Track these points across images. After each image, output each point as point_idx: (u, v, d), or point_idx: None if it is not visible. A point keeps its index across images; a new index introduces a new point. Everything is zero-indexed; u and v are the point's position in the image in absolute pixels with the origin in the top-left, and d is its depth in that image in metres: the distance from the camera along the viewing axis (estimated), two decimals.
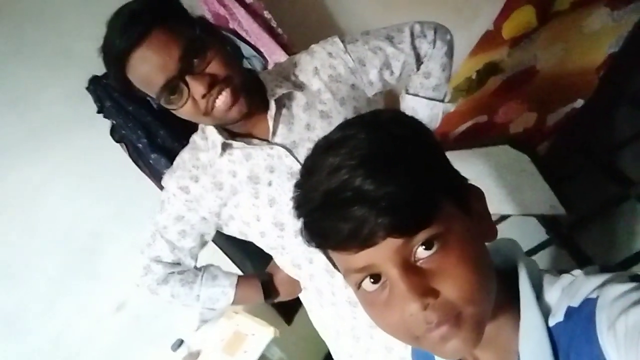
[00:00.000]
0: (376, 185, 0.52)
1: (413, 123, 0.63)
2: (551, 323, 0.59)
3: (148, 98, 1.05)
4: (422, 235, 0.54)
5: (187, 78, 0.96)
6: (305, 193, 0.58)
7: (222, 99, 0.99)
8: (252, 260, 2.31)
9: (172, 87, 0.97)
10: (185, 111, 1.01)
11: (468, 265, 0.55)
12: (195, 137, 1.21)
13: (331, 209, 0.54)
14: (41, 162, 2.18)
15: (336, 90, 1.14)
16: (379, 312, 0.58)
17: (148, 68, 0.95)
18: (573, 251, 2.29)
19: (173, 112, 1.03)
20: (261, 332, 2.14)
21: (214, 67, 0.98)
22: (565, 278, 0.62)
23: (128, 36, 0.94)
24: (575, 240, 2.31)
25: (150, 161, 2.27)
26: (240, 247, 2.24)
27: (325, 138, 0.60)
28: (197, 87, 0.96)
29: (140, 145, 2.26)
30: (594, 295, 0.56)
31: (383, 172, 0.53)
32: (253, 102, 1.05)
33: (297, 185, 0.60)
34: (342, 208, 0.53)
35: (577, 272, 0.62)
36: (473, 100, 2.75)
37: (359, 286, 0.59)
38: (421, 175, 0.55)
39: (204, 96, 0.97)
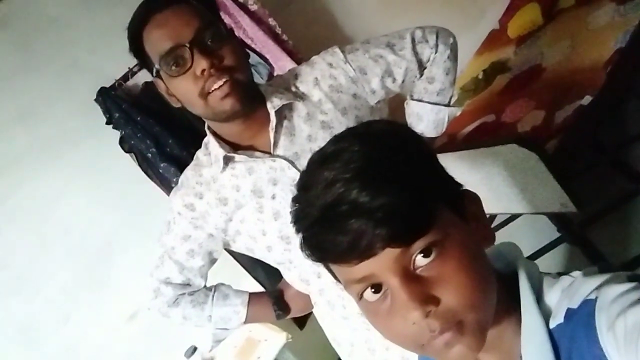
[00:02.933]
0: (371, 197, 0.53)
1: (405, 133, 0.64)
2: (552, 325, 0.59)
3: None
4: (420, 244, 0.55)
5: (195, 51, 0.98)
6: (302, 208, 0.59)
7: (220, 85, 1.00)
8: (263, 267, 2.31)
9: (178, 55, 0.99)
10: (183, 85, 1.02)
11: (467, 271, 0.56)
12: (199, 153, 1.22)
13: (329, 223, 0.55)
14: (53, 174, 2.22)
15: (337, 100, 1.13)
16: (382, 322, 0.59)
17: (164, 31, 0.99)
18: (585, 248, 2.27)
19: (171, 89, 1.05)
20: (274, 338, 2.14)
21: (224, 53, 1.01)
22: (565, 280, 0.62)
23: (156, 1, 1.01)
24: (587, 238, 2.29)
25: (160, 170, 2.29)
26: None
27: (320, 152, 0.61)
28: (200, 61, 0.98)
29: (149, 154, 2.28)
30: (592, 296, 0.56)
31: (378, 184, 0.54)
32: (249, 105, 1.05)
33: (295, 200, 0.61)
34: (339, 221, 0.54)
35: (576, 273, 0.62)
36: (480, 100, 2.74)
37: (360, 297, 0.60)
38: (416, 184, 0.56)
39: (203, 71, 0.98)
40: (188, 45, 0.98)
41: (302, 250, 0.60)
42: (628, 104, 2.59)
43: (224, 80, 0.99)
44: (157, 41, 1.00)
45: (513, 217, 2.56)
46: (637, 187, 2.28)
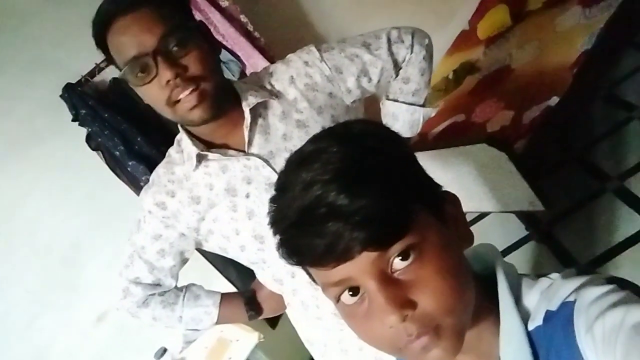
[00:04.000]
0: (350, 200, 0.52)
1: (384, 134, 0.63)
2: (531, 327, 0.59)
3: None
4: (397, 247, 0.54)
5: (159, 60, 0.95)
6: (279, 210, 0.58)
7: (188, 97, 0.97)
8: (235, 266, 2.30)
9: (142, 63, 0.96)
10: (150, 93, 0.99)
11: (445, 274, 0.56)
12: (171, 151, 1.19)
13: (306, 225, 0.54)
14: (18, 173, 2.16)
15: (313, 98, 1.12)
16: (359, 325, 0.59)
17: (126, 38, 0.96)
18: (553, 246, 2.32)
19: (139, 93, 1.02)
20: (245, 338, 2.12)
21: (190, 61, 0.97)
22: (543, 282, 0.62)
23: (118, 3, 0.96)
24: (554, 236, 2.35)
25: (128, 168, 2.24)
26: None
27: (298, 152, 0.60)
28: (164, 72, 0.95)
29: (117, 152, 2.23)
30: (571, 299, 0.57)
31: (356, 186, 0.53)
32: (220, 109, 1.03)
33: (272, 201, 0.60)
34: (316, 224, 0.53)
35: (555, 275, 0.62)
36: (450, 100, 2.77)
37: (338, 299, 0.59)
38: (394, 187, 0.55)
39: (168, 82, 0.96)
40: (151, 54, 0.95)
41: (279, 253, 0.59)
42: (594, 105, 2.66)
43: (190, 89, 0.97)
44: (120, 48, 0.97)
45: (483, 215, 2.61)
46: (603, 186, 2.34)
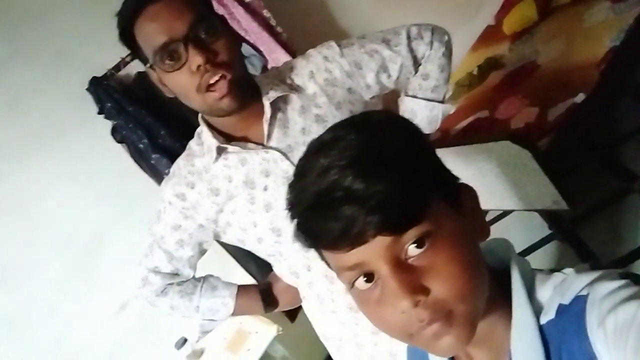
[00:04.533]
0: (365, 185, 0.53)
1: (403, 123, 0.64)
2: (543, 321, 0.60)
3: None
4: (412, 233, 0.55)
5: (190, 46, 0.97)
6: (297, 194, 0.60)
7: (218, 85, 0.99)
8: (255, 259, 2.31)
9: (172, 50, 0.98)
10: (179, 81, 1.01)
11: (459, 262, 0.56)
12: (191, 143, 1.21)
13: (322, 209, 0.55)
14: (42, 164, 2.20)
15: (332, 94, 1.13)
16: (372, 310, 0.59)
17: (157, 25, 0.97)
18: (576, 246, 2.28)
19: (166, 82, 1.04)
20: (264, 330, 2.14)
21: (219, 47, 1.00)
22: (557, 276, 0.62)
23: None
24: (578, 235, 2.31)
25: (152, 161, 2.28)
26: None
27: (317, 139, 0.61)
28: (195, 57, 0.97)
29: (141, 145, 2.27)
30: (584, 293, 0.57)
31: (372, 172, 0.54)
32: (245, 100, 1.05)
33: (290, 187, 0.61)
34: (332, 208, 0.54)
35: (569, 270, 0.62)
36: (474, 96, 2.74)
37: (352, 285, 0.60)
38: (410, 174, 0.56)
39: (198, 67, 0.97)
40: (182, 40, 0.97)
41: (295, 236, 0.60)
42: (621, 102, 2.60)
43: (219, 75, 0.99)
44: (150, 35, 0.99)
45: (505, 213, 2.58)
46: (628, 186, 2.29)
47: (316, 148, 0.60)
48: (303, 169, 0.60)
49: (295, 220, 0.60)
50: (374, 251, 0.55)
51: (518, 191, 2.16)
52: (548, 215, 2.38)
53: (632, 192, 2.26)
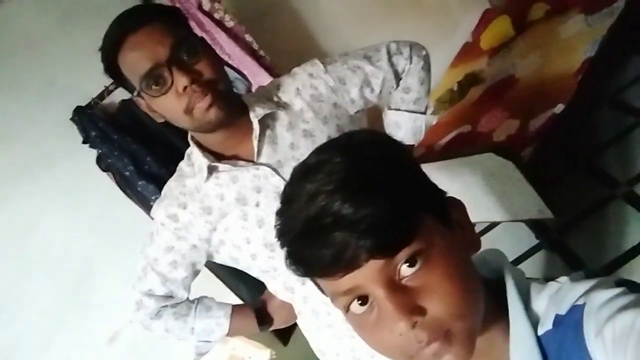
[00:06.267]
0: (354, 209, 0.52)
1: (387, 142, 0.64)
2: (540, 332, 0.59)
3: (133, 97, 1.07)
4: (404, 253, 0.54)
5: (173, 69, 0.99)
6: (285, 221, 0.59)
7: (203, 98, 1.00)
8: (246, 283, 2.30)
9: (157, 74, 0.99)
10: (167, 104, 1.02)
11: (453, 279, 0.56)
12: (182, 164, 1.22)
13: (312, 236, 0.54)
14: (30, 196, 2.19)
15: (318, 109, 1.15)
16: (370, 334, 0.58)
17: (139, 53, 0.99)
18: (564, 254, 2.31)
19: (155, 108, 1.05)
20: (257, 355, 2.12)
21: (202, 66, 1.01)
22: (552, 286, 0.62)
23: (127, 22, 1.00)
24: (565, 243, 2.33)
25: (138, 188, 2.26)
26: (232, 269, 2.24)
27: (302, 164, 0.60)
28: (180, 79, 0.98)
29: (127, 173, 2.26)
30: (580, 302, 0.56)
31: (360, 195, 0.53)
32: (232, 112, 1.06)
33: (278, 214, 0.60)
34: (322, 234, 0.53)
35: (563, 279, 0.62)
36: (456, 111, 2.78)
37: (347, 309, 0.59)
38: (398, 194, 0.55)
39: (185, 89, 0.99)
40: (166, 64, 0.98)
41: (286, 265, 0.59)
42: (599, 111, 2.65)
43: (207, 94, 1.00)
44: (135, 64, 1.00)
45: (492, 225, 2.60)
46: (612, 192, 2.33)
47: (302, 173, 0.59)
48: (290, 196, 0.59)
49: (286, 249, 0.59)
50: (367, 275, 0.54)
51: (504, 202, 2.18)
52: (534, 225, 2.41)
53: (615, 198, 2.30)
